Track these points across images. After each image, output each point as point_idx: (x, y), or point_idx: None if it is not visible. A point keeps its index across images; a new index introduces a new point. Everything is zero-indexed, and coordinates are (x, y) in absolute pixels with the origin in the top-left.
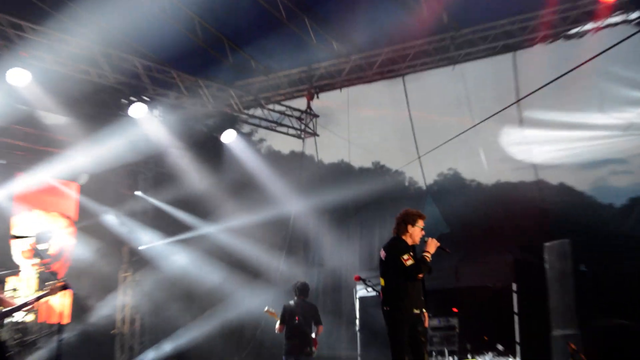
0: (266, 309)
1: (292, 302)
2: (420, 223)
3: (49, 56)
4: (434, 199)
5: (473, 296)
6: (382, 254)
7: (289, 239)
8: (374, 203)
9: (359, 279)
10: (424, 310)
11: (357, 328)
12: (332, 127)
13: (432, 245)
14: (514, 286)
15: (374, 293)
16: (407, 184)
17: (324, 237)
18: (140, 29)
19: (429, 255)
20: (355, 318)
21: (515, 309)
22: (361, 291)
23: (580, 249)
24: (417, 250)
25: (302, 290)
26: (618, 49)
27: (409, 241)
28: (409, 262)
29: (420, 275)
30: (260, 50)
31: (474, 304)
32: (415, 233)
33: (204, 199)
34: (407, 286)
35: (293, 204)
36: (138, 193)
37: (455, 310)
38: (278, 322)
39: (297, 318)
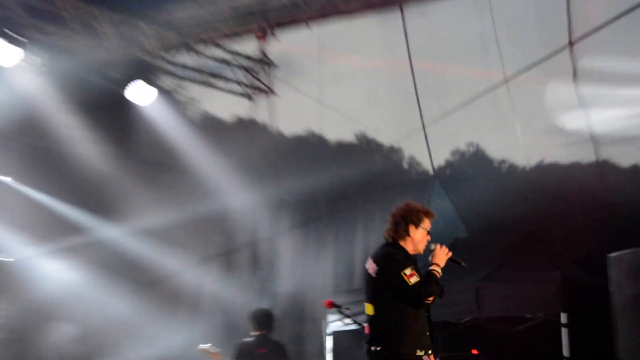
0: (201, 346)
1: (249, 340)
2: (427, 224)
3: None
4: (445, 189)
5: (502, 332)
6: (371, 267)
7: (228, 246)
8: (357, 194)
9: (331, 305)
10: (429, 352)
11: None
12: (296, 82)
13: (442, 255)
14: (563, 317)
15: (354, 326)
16: (406, 165)
17: (281, 244)
18: None
19: (439, 270)
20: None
21: (566, 352)
22: (334, 323)
23: None
24: (416, 263)
25: (263, 321)
26: None
27: (410, 249)
28: (414, 279)
29: (430, 299)
30: None
31: (503, 344)
32: (418, 238)
33: (103, 188)
34: (407, 316)
35: (236, 196)
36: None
37: (474, 352)
38: None
39: None
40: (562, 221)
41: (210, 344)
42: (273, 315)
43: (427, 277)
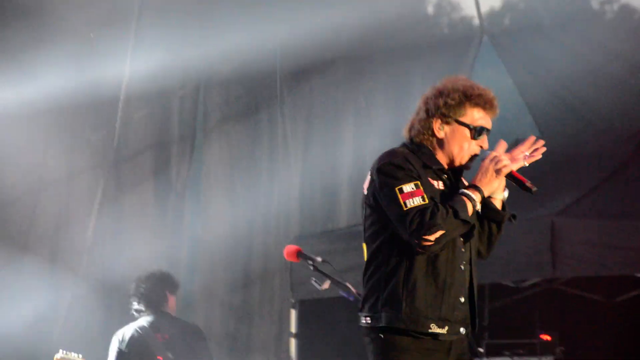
0: (60, 355)
1: (142, 326)
2: (474, 116)
3: None
4: (499, 50)
5: (594, 305)
6: (366, 181)
7: (118, 152)
8: (344, 60)
9: (297, 255)
10: (461, 331)
11: None
12: None
13: (490, 171)
14: None
15: (337, 291)
16: (432, 10)
17: (208, 149)
18: None
19: (475, 197)
20: (288, 357)
21: None
22: (302, 287)
23: None
24: (457, 181)
25: (160, 293)
26: None
27: (442, 159)
28: (415, 201)
29: (431, 242)
30: None
31: (595, 323)
32: (458, 139)
33: None
34: (415, 265)
35: (132, 62)
36: None
37: (546, 338)
38: None
39: (159, 358)
40: None
41: (70, 352)
42: (169, 280)
43: (454, 202)
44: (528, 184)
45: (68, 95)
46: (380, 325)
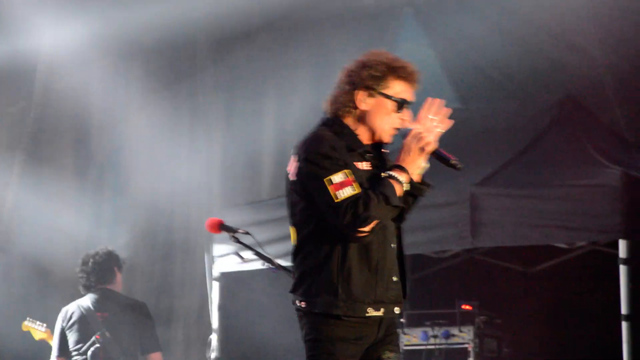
0: (27, 324)
1: (85, 304)
2: (397, 88)
3: None
4: (423, 22)
5: (514, 274)
6: (291, 164)
7: (36, 125)
8: (266, 29)
9: (219, 227)
10: (395, 310)
11: (211, 354)
12: None
13: (414, 149)
14: (622, 247)
15: (259, 264)
16: None
17: (129, 120)
18: None
19: (401, 178)
20: (209, 329)
21: (625, 307)
22: (224, 259)
23: None
24: (385, 160)
25: (101, 269)
26: None
27: (363, 134)
28: (346, 192)
29: (366, 229)
30: None
31: (515, 294)
32: (378, 114)
33: None
34: (348, 250)
35: (50, 31)
36: None
37: (466, 307)
38: (53, 354)
39: (97, 337)
40: (628, 80)
41: (35, 321)
42: (116, 257)
43: (380, 186)
44: (453, 160)
45: None
46: (316, 311)
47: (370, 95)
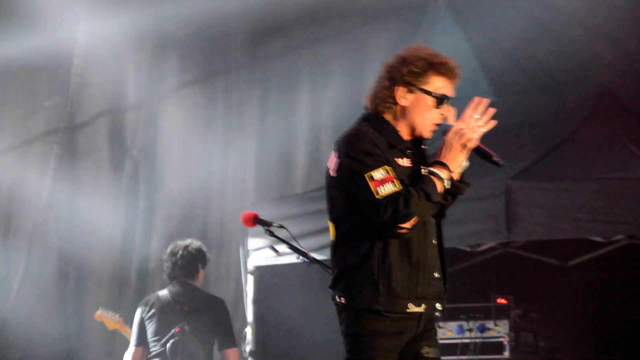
0: (101, 314)
1: (165, 296)
2: (437, 84)
3: None
4: (457, 16)
5: (549, 268)
6: (331, 160)
7: (71, 118)
8: (299, 26)
9: (254, 221)
10: (437, 306)
11: (246, 347)
12: None
13: (456, 146)
14: None
15: (294, 257)
16: None
17: (164, 115)
18: None
19: (443, 175)
20: (244, 322)
21: None
22: (259, 252)
23: None
24: (425, 155)
25: (185, 263)
26: None
27: (403, 129)
28: (387, 188)
29: (406, 225)
30: None
31: (551, 287)
32: (421, 108)
33: None
34: (389, 246)
35: (86, 28)
36: None
37: (501, 301)
38: (131, 343)
39: (176, 330)
40: None
41: (108, 311)
42: (203, 254)
43: (423, 183)
44: (495, 157)
45: (20, 61)
46: (357, 306)
47: (410, 91)
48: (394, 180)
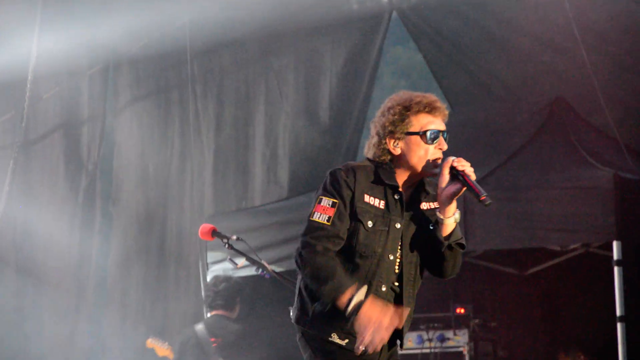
0: (151, 342)
1: (200, 329)
2: (427, 120)
3: None
4: (410, 28)
5: (507, 278)
6: None
7: (24, 134)
8: (253, 38)
9: (211, 233)
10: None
11: None
12: None
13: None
14: (616, 249)
15: (252, 269)
16: None
17: (119, 128)
18: None
19: (450, 217)
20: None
21: (620, 309)
22: (218, 265)
23: None
24: (414, 201)
25: (232, 297)
26: None
27: (405, 172)
28: (322, 217)
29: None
30: None
31: (508, 297)
32: (414, 150)
33: None
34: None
35: (38, 39)
36: None
37: (460, 311)
38: None
39: None
40: (614, 81)
41: (158, 339)
42: (242, 290)
43: (334, 271)
44: (482, 196)
45: None
46: (302, 325)
47: (398, 139)
48: (332, 216)
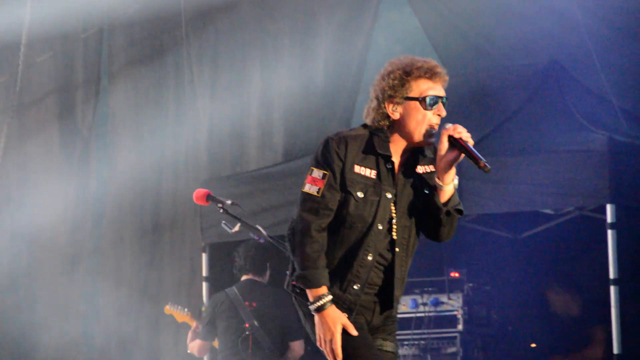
0: (170, 308)
1: (234, 293)
2: (426, 85)
3: None
4: None
5: (499, 241)
6: None
7: (20, 97)
8: (251, 3)
9: (206, 198)
10: (348, 314)
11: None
12: None
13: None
14: (610, 212)
15: (247, 234)
16: None
17: (112, 92)
18: None
19: (449, 183)
20: (200, 301)
21: (613, 272)
22: (212, 230)
23: None
24: (410, 168)
25: (262, 261)
26: None
27: (403, 138)
28: (312, 188)
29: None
30: None
31: (501, 260)
32: (413, 115)
33: None
34: (337, 234)
35: (28, 6)
36: None
37: (454, 275)
38: (200, 337)
39: (247, 326)
40: (610, 44)
41: (177, 305)
42: (272, 254)
43: (312, 245)
44: (482, 161)
45: None
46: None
47: (397, 103)
48: (322, 184)
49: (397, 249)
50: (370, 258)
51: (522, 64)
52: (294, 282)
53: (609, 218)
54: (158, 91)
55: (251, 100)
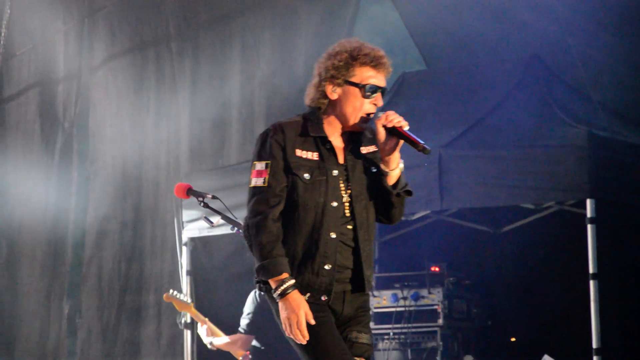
0: (171, 295)
1: None
2: (369, 74)
3: None
4: None
5: (481, 236)
6: None
7: None
8: None
9: (186, 191)
10: (326, 297)
11: (182, 319)
12: None
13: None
14: (590, 207)
15: (227, 227)
16: None
17: (95, 86)
18: None
19: (395, 169)
20: (180, 288)
21: (593, 267)
22: (193, 224)
23: None
24: (352, 143)
25: None
26: None
27: (336, 120)
28: (259, 181)
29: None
30: None
31: (483, 256)
32: (350, 100)
33: None
34: (293, 221)
35: None
36: None
37: (435, 269)
38: (241, 329)
39: None
40: (590, 38)
41: (177, 293)
42: None
43: (269, 233)
44: (420, 142)
45: None
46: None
47: (338, 85)
48: (266, 177)
49: (358, 228)
50: (334, 236)
51: (503, 59)
52: (256, 278)
53: (589, 213)
54: (139, 85)
55: (232, 94)
